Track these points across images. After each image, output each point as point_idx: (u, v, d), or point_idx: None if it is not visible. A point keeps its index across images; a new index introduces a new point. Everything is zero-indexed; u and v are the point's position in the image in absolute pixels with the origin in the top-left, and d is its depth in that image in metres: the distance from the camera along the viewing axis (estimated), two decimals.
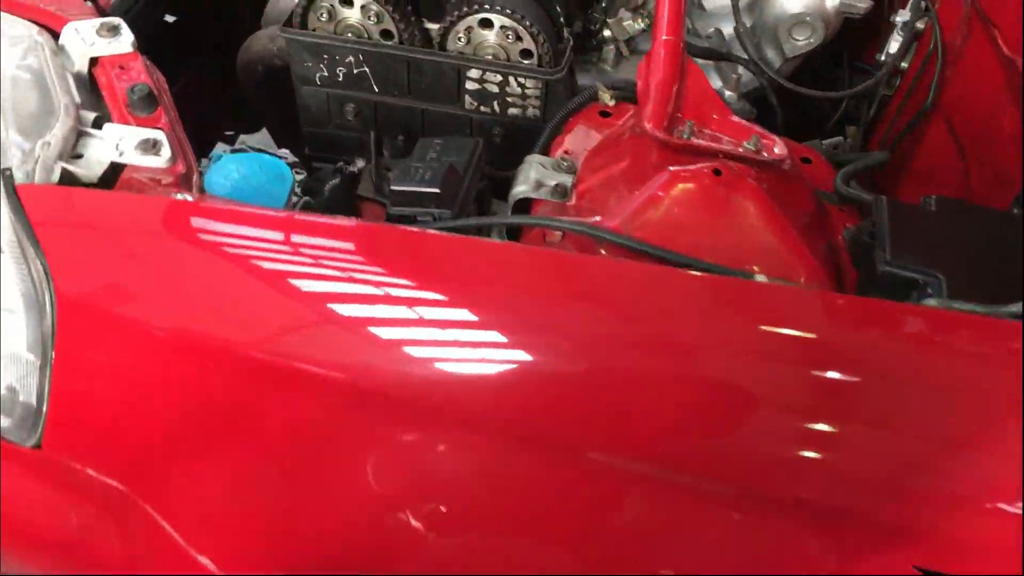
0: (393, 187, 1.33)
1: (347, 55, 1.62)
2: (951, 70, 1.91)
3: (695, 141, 1.30)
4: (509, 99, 1.61)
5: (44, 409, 1.22)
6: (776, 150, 1.30)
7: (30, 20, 1.54)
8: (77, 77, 1.49)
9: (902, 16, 1.97)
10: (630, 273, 1.08)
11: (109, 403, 1.21)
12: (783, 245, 1.22)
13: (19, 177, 1.30)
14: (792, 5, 1.75)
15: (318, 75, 1.66)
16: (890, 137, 2.02)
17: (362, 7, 1.60)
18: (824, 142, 1.72)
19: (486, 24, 1.58)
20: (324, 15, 1.61)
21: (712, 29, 1.85)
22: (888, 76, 2.00)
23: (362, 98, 1.67)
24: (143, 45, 1.55)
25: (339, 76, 1.65)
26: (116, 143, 1.37)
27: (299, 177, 1.67)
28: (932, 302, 1.15)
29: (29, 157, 1.34)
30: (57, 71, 1.46)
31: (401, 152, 1.65)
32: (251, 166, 1.34)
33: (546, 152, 1.51)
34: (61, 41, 1.50)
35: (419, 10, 1.63)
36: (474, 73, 1.60)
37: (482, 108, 1.63)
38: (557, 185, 1.35)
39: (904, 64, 1.98)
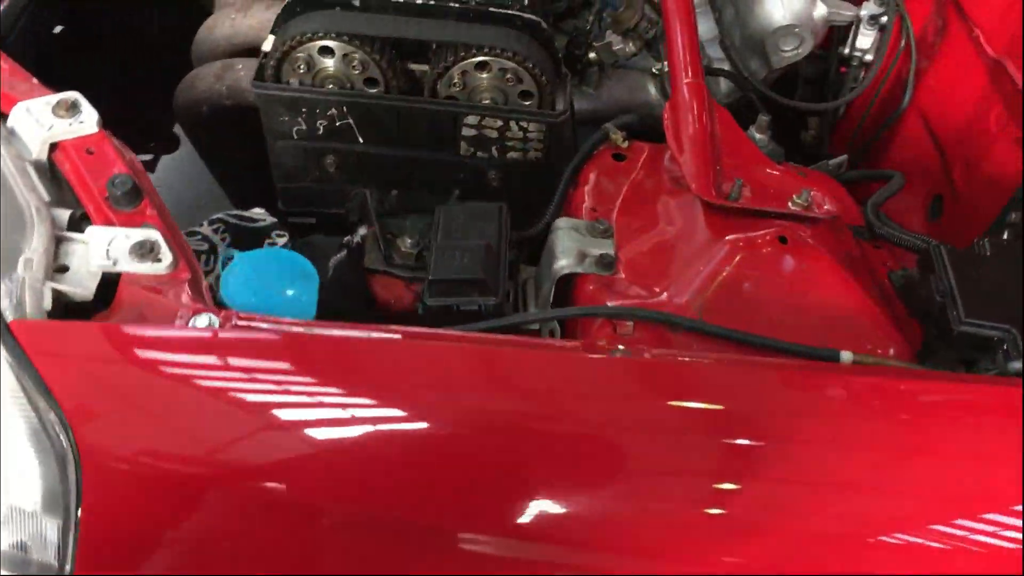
0: (432, 277, 1.22)
1: (329, 107, 1.48)
2: (925, 66, 1.89)
3: (747, 204, 1.23)
4: (509, 143, 1.51)
5: (69, 569, 1.08)
6: (826, 206, 1.24)
7: None
8: (37, 167, 1.31)
9: (868, 9, 1.93)
10: (530, 360, 1.01)
11: (138, 553, 1.08)
12: (857, 311, 1.18)
13: (5, 306, 1.13)
14: (780, 17, 1.69)
15: (295, 129, 1.51)
16: (861, 135, 2.00)
17: (344, 56, 1.46)
18: (829, 163, 1.68)
19: (483, 67, 1.46)
20: (302, 66, 1.46)
21: None
22: (856, 70, 1.97)
23: (344, 149, 1.53)
24: (32, 60, 1.38)
25: (319, 129, 1.51)
26: (105, 248, 1.21)
27: (281, 241, 1.54)
28: (1017, 365, 1.12)
29: (12, 280, 1.17)
30: (16, 164, 1.28)
31: (394, 208, 1.53)
32: (270, 269, 1.20)
33: (562, 207, 1.41)
34: (10, 124, 1.32)
35: (402, 53, 1.50)
36: (472, 119, 1.48)
37: (479, 154, 1.52)
38: (602, 256, 1.26)
39: (869, 57, 1.95)
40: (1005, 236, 1.66)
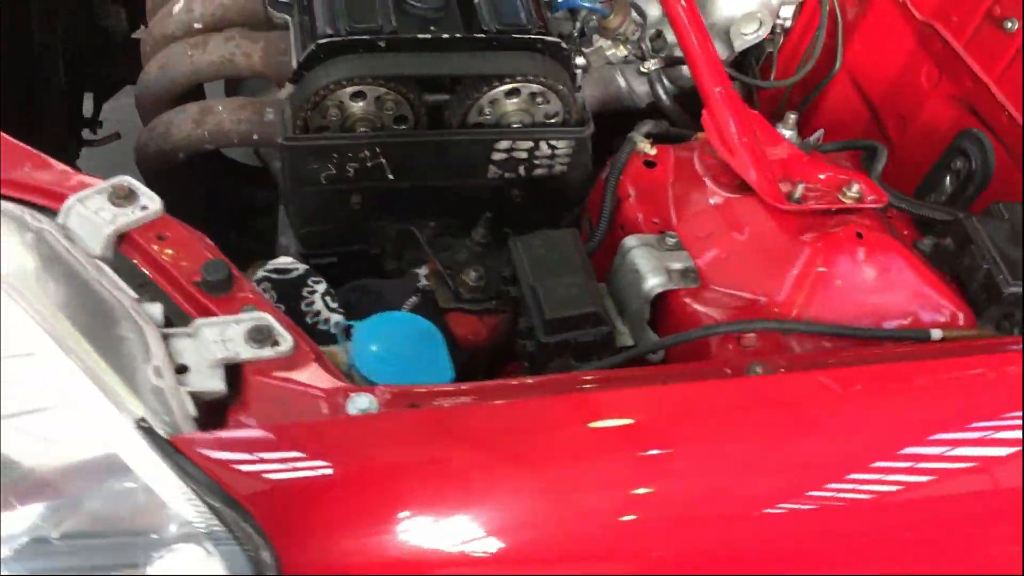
0: (549, 317, 1.25)
1: (362, 150, 1.47)
2: (849, 29, 2.05)
3: (814, 205, 1.34)
4: (537, 161, 1.55)
5: None
6: (870, 197, 1.37)
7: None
8: (106, 264, 1.24)
9: None
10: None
11: None
12: (930, 290, 1.31)
13: (155, 423, 1.08)
14: (743, 4, 1.79)
15: (324, 175, 1.49)
16: (792, 97, 2.14)
17: (376, 98, 1.44)
18: (810, 140, 1.80)
19: (513, 93, 1.48)
20: (334, 112, 1.44)
21: (653, 31, 1.85)
22: (777, 36, 2.10)
23: (371, 187, 1.53)
24: None
25: (350, 172, 1.49)
26: (221, 340, 1.18)
27: (320, 288, 1.52)
28: None
29: (143, 390, 1.12)
30: (88, 262, 1.22)
31: (431, 239, 1.54)
32: (393, 334, 1.20)
33: (611, 223, 1.47)
34: (62, 220, 1.24)
35: (424, 86, 1.50)
36: (503, 144, 1.51)
37: (506, 175, 1.55)
38: (685, 269, 1.34)
39: (789, 24, 2.08)
40: (948, 182, 1.84)
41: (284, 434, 1.07)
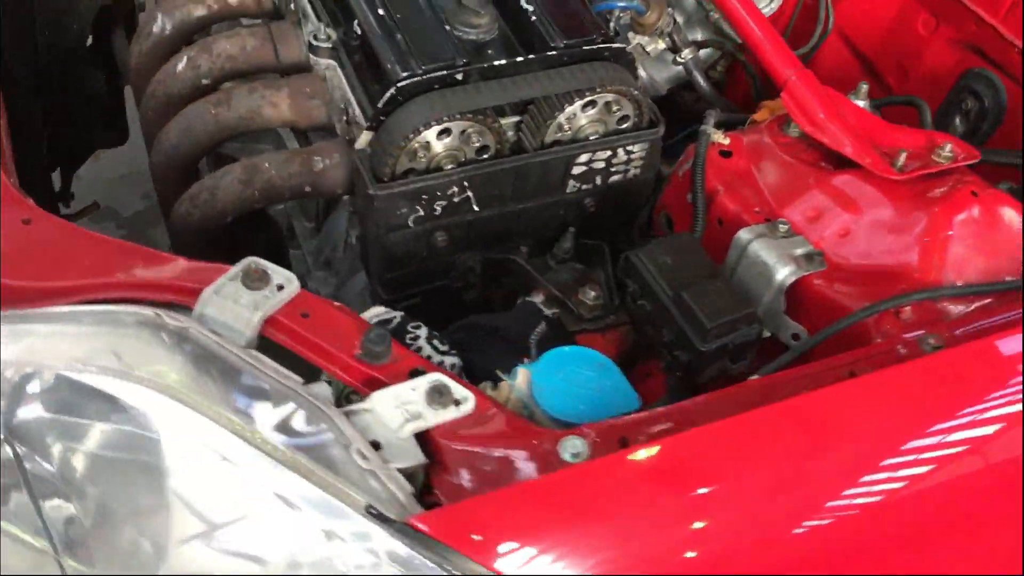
0: (711, 324, 1.25)
1: (451, 186, 1.43)
2: None
3: (920, 171, 1.36)
4: (614, 168, 1.53)
5: None
6: (962, 154, 1.40)
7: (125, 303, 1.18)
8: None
9: None
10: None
11: None
12: None
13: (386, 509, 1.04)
14: None
15: (412, 217, 1.44)
16: None
17: (461, 132, 1.40)
18: None
19: (588, 105, 1.47)
20: (422, 155, 1.39)
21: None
22: None
23: (456, 222, 1.49)
24: None
25: (437, 210, 1.45)
26: (404, 409, 1.14)
27: (422, 332, 1.47)
28: None
29: (352, 476, 1.08)
30: (244, 354, 1.16)
31: (526, 257, 1.52)
32: (570, 371, 1.18)
33: (706, 220, 1.47)
34: (200, 311, 1.18)
35: (498, 111, 1.47)
36: (583, 156, 1.49)
37: (583, 187, 1.54)
38: (808, 254, 1.35)
39: None
40: (958, 122, 1.91)
41: (519, 496, 1.04)
